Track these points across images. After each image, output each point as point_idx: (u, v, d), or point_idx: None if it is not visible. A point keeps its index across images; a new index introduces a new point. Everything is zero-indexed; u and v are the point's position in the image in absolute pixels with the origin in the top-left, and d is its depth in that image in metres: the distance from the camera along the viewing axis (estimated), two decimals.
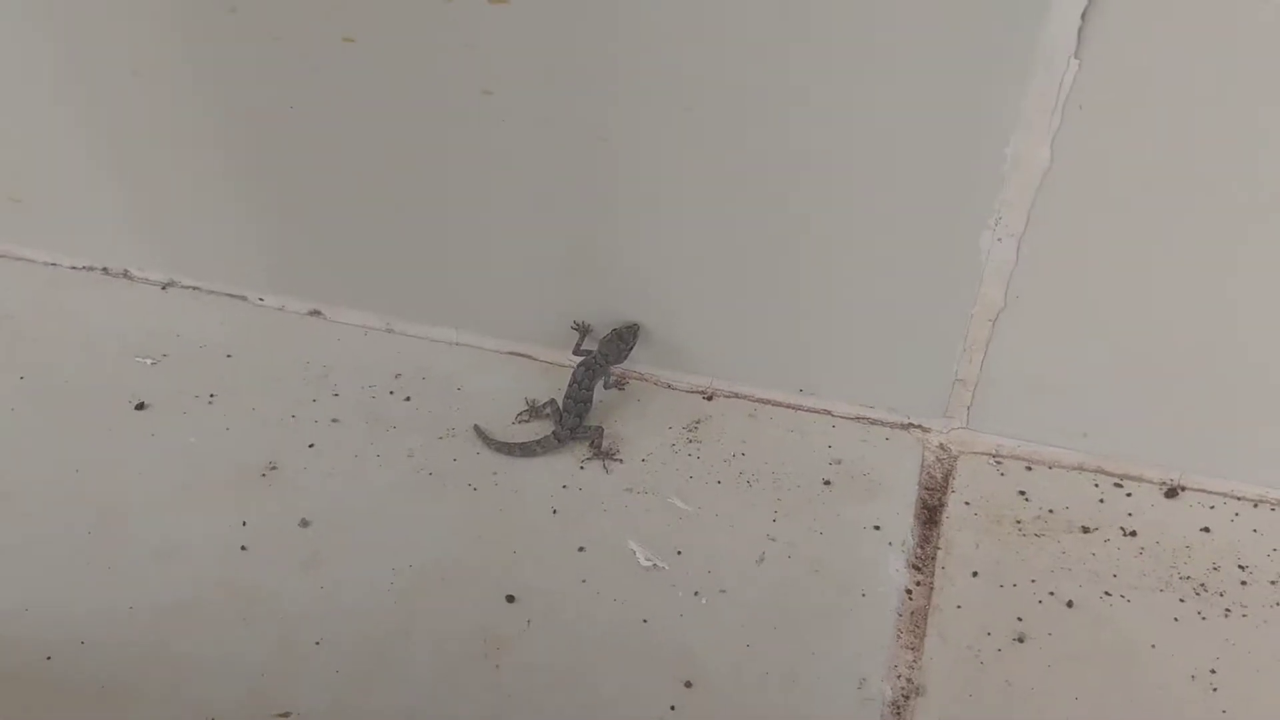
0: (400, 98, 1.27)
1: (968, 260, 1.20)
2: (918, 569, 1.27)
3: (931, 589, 1.23)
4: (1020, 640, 1.18)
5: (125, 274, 1.59)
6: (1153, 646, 1.18)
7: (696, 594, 1.22)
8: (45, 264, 1.61)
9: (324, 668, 1.16)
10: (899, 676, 1.16)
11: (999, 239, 1.17)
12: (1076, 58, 1.02)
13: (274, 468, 1.35)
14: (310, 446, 1.37)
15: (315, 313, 1.54)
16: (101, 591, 1.22)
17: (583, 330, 1.41)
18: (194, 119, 1.37)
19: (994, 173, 1.12)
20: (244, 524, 1.28)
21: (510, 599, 1.22)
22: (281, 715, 1.15)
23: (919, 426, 1.40)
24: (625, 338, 1.37)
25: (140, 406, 1.42)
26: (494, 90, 1.22)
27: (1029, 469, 1.36)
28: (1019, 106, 1.07)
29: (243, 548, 1.27)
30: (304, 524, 1.29)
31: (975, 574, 1.24)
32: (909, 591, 1.23)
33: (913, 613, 1.22)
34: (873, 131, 1.14)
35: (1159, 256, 1.16)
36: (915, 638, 1.19)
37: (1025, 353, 1.28)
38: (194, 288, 1.57)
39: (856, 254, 1.26)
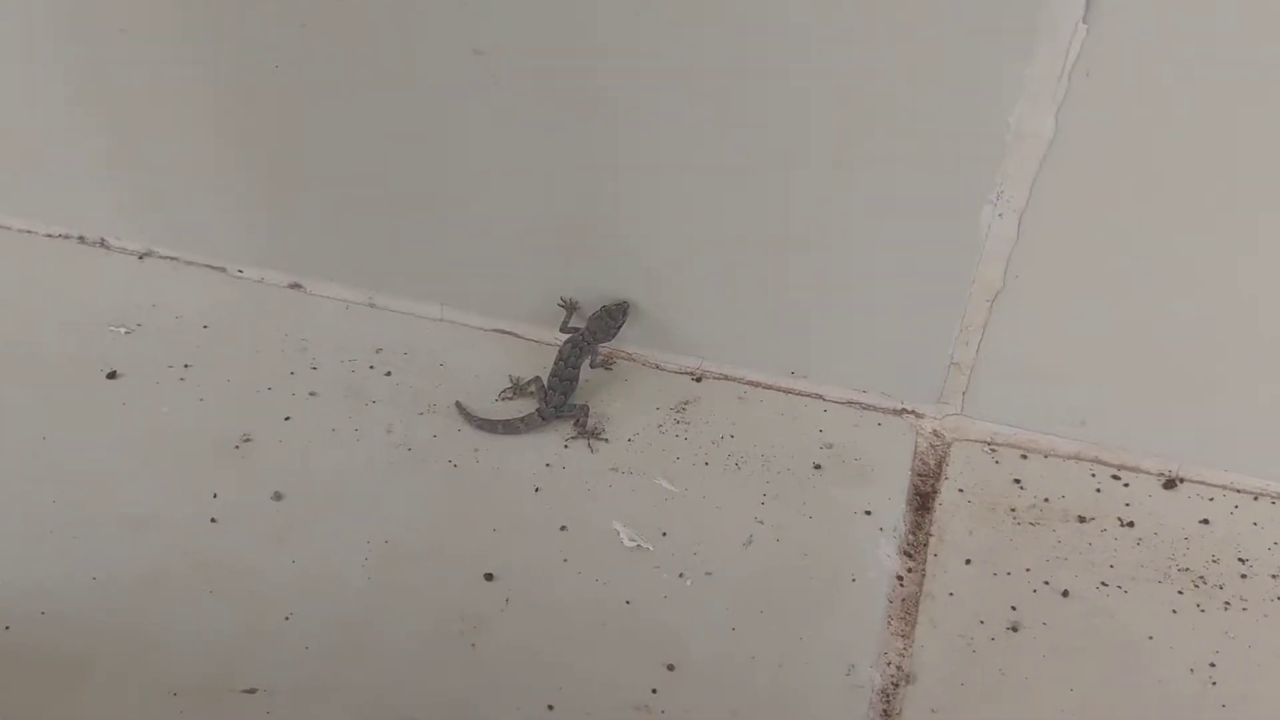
0: (388, 59, 1.23)
1: (967, 237, 1.17)
2: (909, 555, 1.24)
3: (923, 576, 1.20)
4: (1014, 629, 1.16)
5: (102, 243, 1.57)
6: (1150, 638, 1.15)
7: (681, 576, 1.20)
8: (20, 231, 1.58)
9: (293, 644, 1.13)
10: (889, 664, 1.14)
11: (1000, 215, 1.14)
12: (1085, 22, 0.99)
13: (248, 440, 1.32)
14: (286, 419, 1.35)
15: (295, 286, 1.52)
16: (64, 562, 1.19)
17: (570, 307, 1.39)
18: (178, 81, 1.33)
19: (996, 144, 1.09)
20: (215, 496, 1.26)
21: (489, 577, 1.19)
22: (247, 691, 1.12)
23: (912, 412, 1.37)
24: (615, 315, 1.35)
25: (112, 375, 1.39)
26: (485, 50, 1.18)
27: (1024, 457, 1.33)
28: (1023, 74, 1.04)
29: (213, 520, 1.24)
30: (277, 497, 1.26)
31: (968, 561, 1.22)
32: (900, 578, 1.21)
33: (904, 599, 1.19)
34: (870, 101, 1.11)
35: (1166, 238, 1.13)
36: (906, 625, 1.17)
37: (1023, 336, 1.25)
38: (172, 258, 1.55)
39: (852, 232, 1.23)
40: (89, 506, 1.25)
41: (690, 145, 1.20)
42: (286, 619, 1.15)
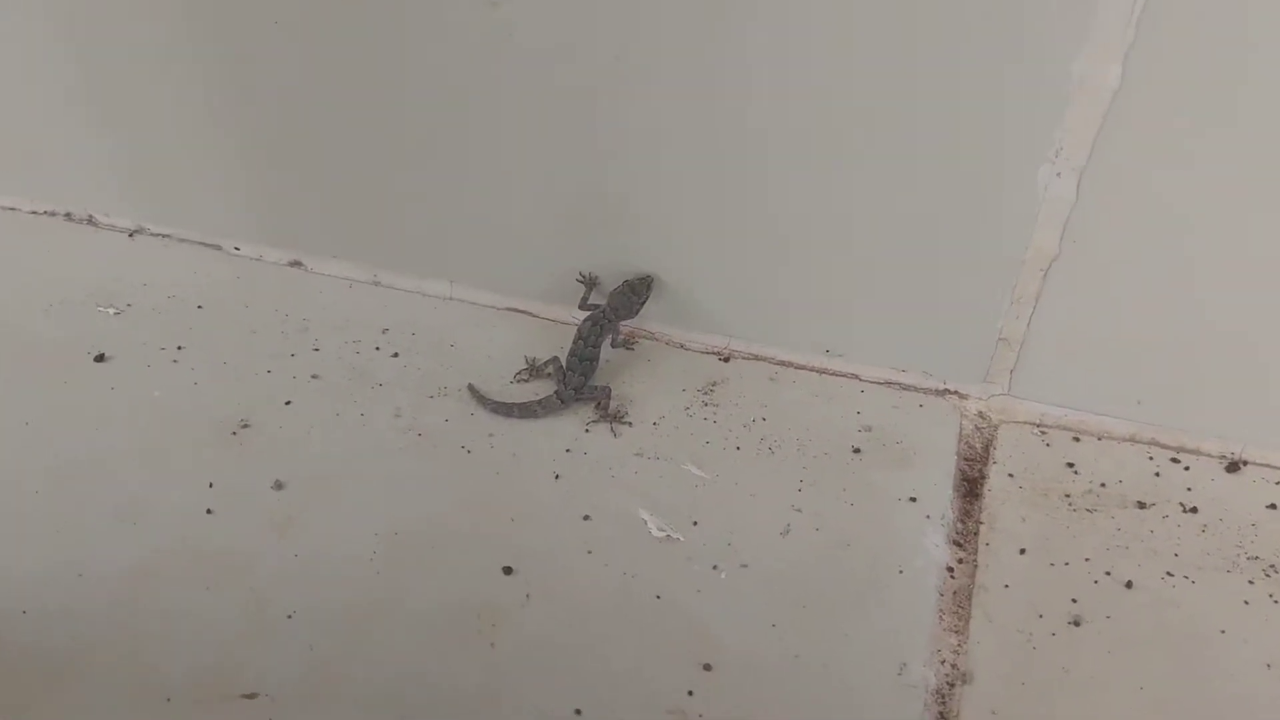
0: (394, 14, 1.16)
1: (1022, 199, 1.10)
2: (959, 545, 1.17)
3: (975, 567, 1.14)
4: (1075, 623, 1.09)
5: (90, 220, 1.53)
6: (1222, 632, 1.08)
7: (715, 568, 1.13)
8: (3, 209, 1.55)
9: (297, 643, 1.07)
10: (943, 662, 1.07)
11: (1058, 173, 1.07)
12: None
13: (246, 425, 1.27)
14: (287, 403, 1.30)
15: (296, 263, 1.47)
16: (48, 555, 1.14)
17: (589, 282, 1.34)
18: (168, 46, 1.28)
19: (1057, 95, 1.02)
20: (211, 485, 1.20)
21: (508, 570, 1.13)
22: (247, 696, 1.04)
23: (955, 393, 1.30)
24: (638, 290, 1.29)
25: (100, 358, 1.34)
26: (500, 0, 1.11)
27: (1076, 440, 1.26)
28: (1088, 18, 0.97)
29: (209, 511, 1.18)
30: (278, 486, 1.20)
31: (1023, 551, 1.15)
32: (950, 569, 1.14)
33: (955, 592, 1.12)
34: (921, 49, 1.04)
35: (1236, 200, 1.05)
36: (959, 619, 1.10)
37: (1077, 309, 1.18)
38: (164, 235, 1.51)
39: (896, 194, 1.16)
40: (75, 497, 1.19)
41: (718, 104, 1.14)
42: (289, 617, 1.09)
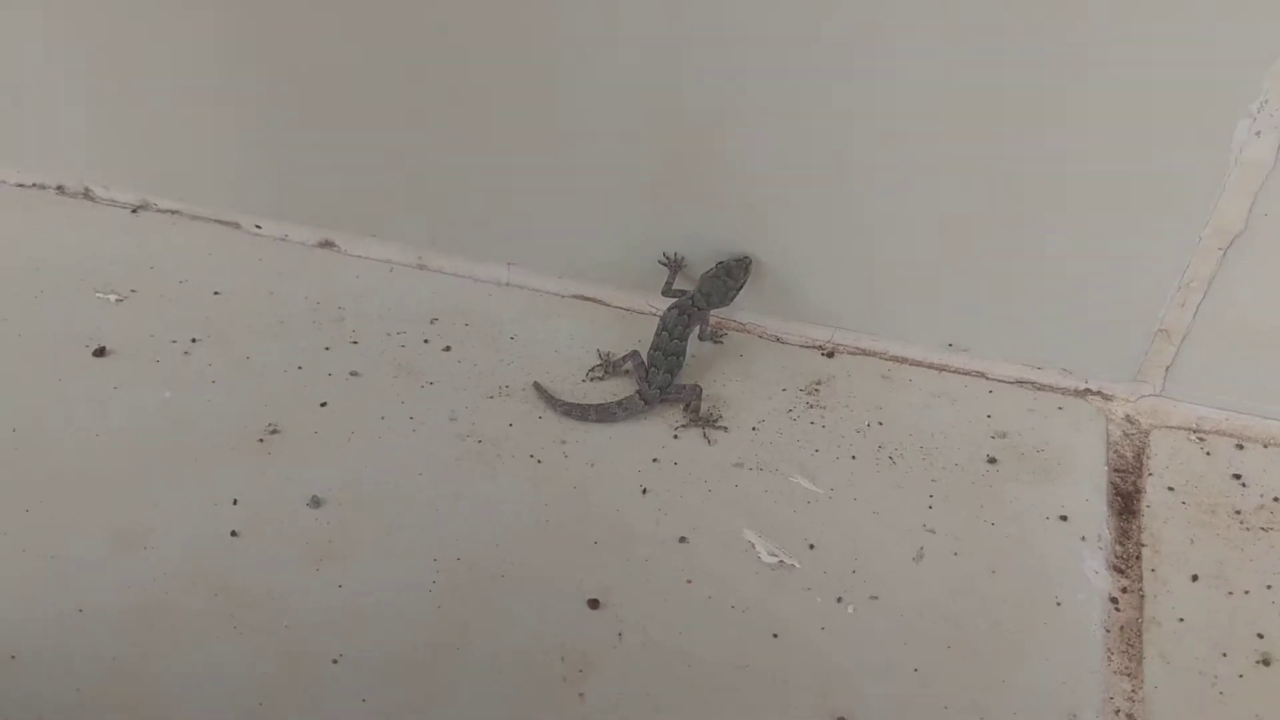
0: None
1: (1211, 161, 0.99)
2: (1120, 571, 1.06)
3: (1142, 597, 1.05)
4: (1265, 662, 0.99)
5: (86, 193, 1.45)
6: None
7: (840, 600, 1.04)
8: None
9: (344, 693, 0.98)
10: (1117, 711, 0.96)
11: (1258, 132, 0.95)
12: None
13: (275, 431, 1.19)
14: (322, 405, 1.21)
15: (327, 244, 1.39)
16: (42, 588, 1.06)
17: (675, 265, 1.24)
18: None
19: (1271, 38, 0.90)
20: (235, 503, 1.12)
21: (593, 604, 1.05)
22: None
23: (1098, 393, 1.20)
24: (734, 273, 1.19)
25: (100, 353, 1.27)
26: None
27: (1240, 447, 1.16)
28: None
29: (233, 533, 1.10)
30: (315, 503, 1.12)
31: (1195, 578, 1.06)
32: (1114, 600, 1.04)
33: (1122, 627, 1.02)
34: None
35: None
36: (1130, 660, 1.00)
37: (1256, 294, 1.08)
38: (173, 211, 1.43)
39: (1044, 153, 1.04)
40: (73, 518, 1.12)
41: (833, 53, 1.03)
42: (334, 662, 1.00)
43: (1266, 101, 0.93)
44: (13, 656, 1.00)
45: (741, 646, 1.01)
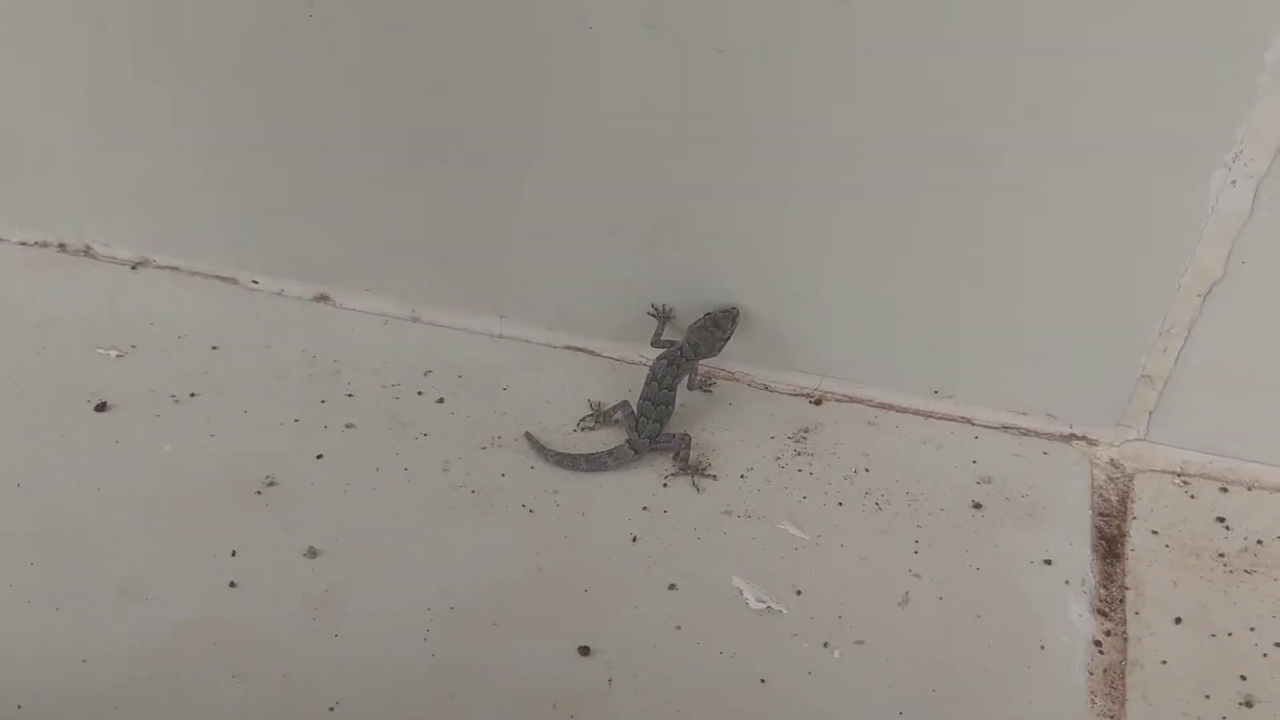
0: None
1: (1189, 210, 1.00)
2: (1104, 614, 1.06)
3: (1125, 640, 1.04)
4: (1248, 704, 0.99)
5: (87, 251, 1.47)
6: None
7: (826, 645, 1.05)
8: None
9: None
10: None
11: (1233, 181, 0.96)
12: None
13: (272, 484, 1.19)
14: (319, 458, 1.22)
15: (322, 298, 1.40)
16: (46, 637, 1.07)
17: (663, 316, 1.25)
18: (173, 51, 1.20)
19: (1245, 87, 0.91)
20: (233, 554, 1.13)
21: (584, 651, 1.05)
22: None
23: (1083, 438, 1.20)
24: (721, 324, 1.20)
25: (101, 407, 1.28)
26: None
27: (1224, 490, 1.16)
28: None
29: (232, 584, 1.11)
30: (311, 553, 1.13)
31: (1178, 620, 1.05)
32: (1098, 643, 1.04)
33: (1106, 670, 1.02)
34: (1084, 24, 0.92)
35: None
36: (1113, 703, 1.00)
37: (1236, 340, 1.08)
38: (171, 268, 1.44)
39: (1025, 204, 1.05)
40: (77, 569, 1.13)
41: (813, 111, 1.04)
42: (331, 709, 1.00)
43: (1241, 151, 0.95)
44: (19, 706, 1.01)
45: (730, 692, 1.01)
